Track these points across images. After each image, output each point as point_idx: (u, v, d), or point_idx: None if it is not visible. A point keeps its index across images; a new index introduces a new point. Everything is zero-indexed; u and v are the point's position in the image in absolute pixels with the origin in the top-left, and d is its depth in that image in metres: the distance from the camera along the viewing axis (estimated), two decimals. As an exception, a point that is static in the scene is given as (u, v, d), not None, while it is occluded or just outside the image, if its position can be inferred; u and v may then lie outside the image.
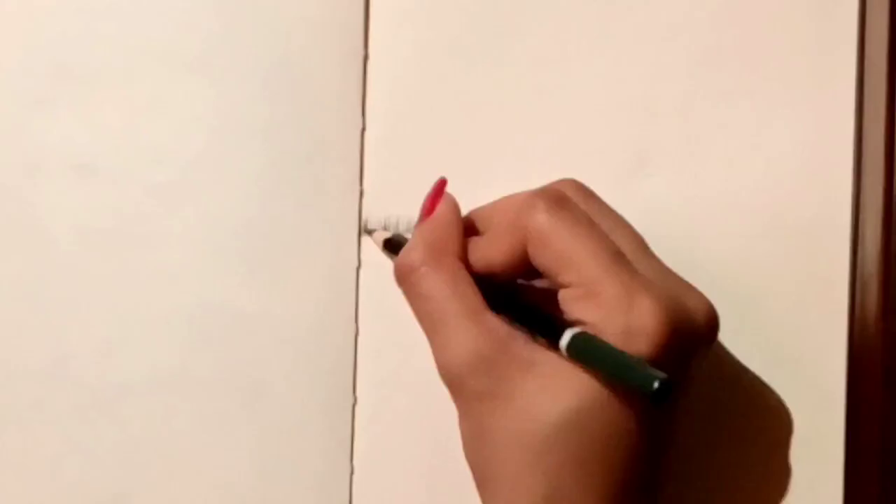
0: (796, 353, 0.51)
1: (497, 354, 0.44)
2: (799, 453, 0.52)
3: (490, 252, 0.46)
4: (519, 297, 0.46)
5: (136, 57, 0.52)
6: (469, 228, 0.48)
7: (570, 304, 0.44)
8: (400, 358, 0.52)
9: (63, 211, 0.52)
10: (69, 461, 0.52)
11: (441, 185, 0.48)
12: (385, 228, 0.52)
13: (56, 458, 0.52)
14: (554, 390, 0.43)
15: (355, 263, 0.52)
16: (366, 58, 0.52)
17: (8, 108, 0.52)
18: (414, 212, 0.52)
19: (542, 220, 0.44)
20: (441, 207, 0.47)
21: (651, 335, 0.42)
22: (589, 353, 0.42)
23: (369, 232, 0.52)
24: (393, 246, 0.50)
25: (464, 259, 0.46)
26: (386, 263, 0.52)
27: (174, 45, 0.52)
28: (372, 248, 0.52)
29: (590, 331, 0.42)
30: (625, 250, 0.44)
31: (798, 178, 0.52)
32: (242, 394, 0.52)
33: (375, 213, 0.52)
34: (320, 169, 0.52)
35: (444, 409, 0.52)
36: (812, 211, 0.51)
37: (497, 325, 0.45)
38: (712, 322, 0.45)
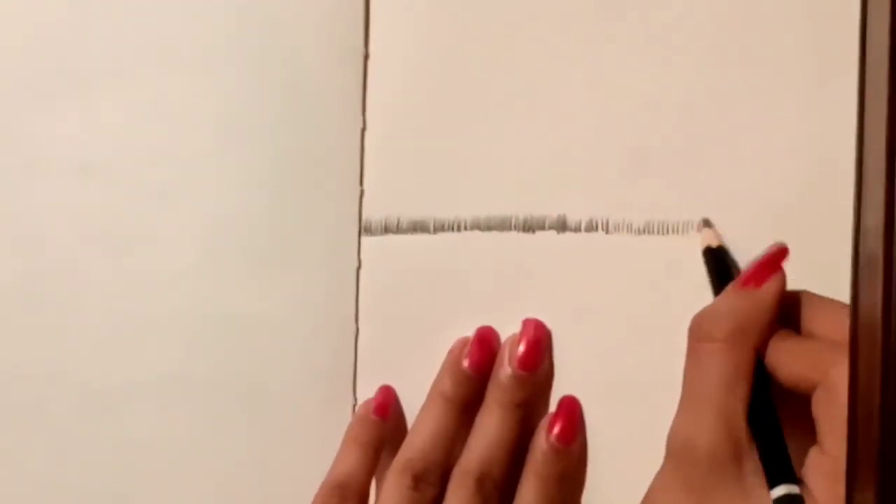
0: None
1: (725, 464, 0.43)
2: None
3: (784, 361, 0.44)
4: (776, 416, 0.45)
5: (136, 56, 0.52)
6: (788, 311, 0.46)
7: (813, 469, 0.42)
8: (400, 359, 0.52)
9: (63, 211, 0.52)
10: (69, 462, 0.52)
11: (779, 254, 0.46)
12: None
13: (56, 460, 0.52)
14: None
15: (355, 264, 0.52)
16: (366, 57, 0.52)
17: (8, 107, 0.52)
18: (414, 211, 0.52)
19: (842, 378, 0.41)
20: (770, 287, 0.45)
21: None
22: None
23: (707, 224, 0.50)
24: (713, 262, 0.49)
25: (762, 347, 0.45)
26: (386, 263, 0.52)
27: (174, 45, 0.52)
28: (372, 249, 0.52)
29: (807, 499, 0.42)
30: None
31: (799, 179, 0.51)
32: (242, 394, 0.52)
33: (376, 213, 0.52)
34: (320, 169, 0.52)
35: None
36: (814, 211, 0.51)
37: (742, 436, 0.44)
38: None
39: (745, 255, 0.51)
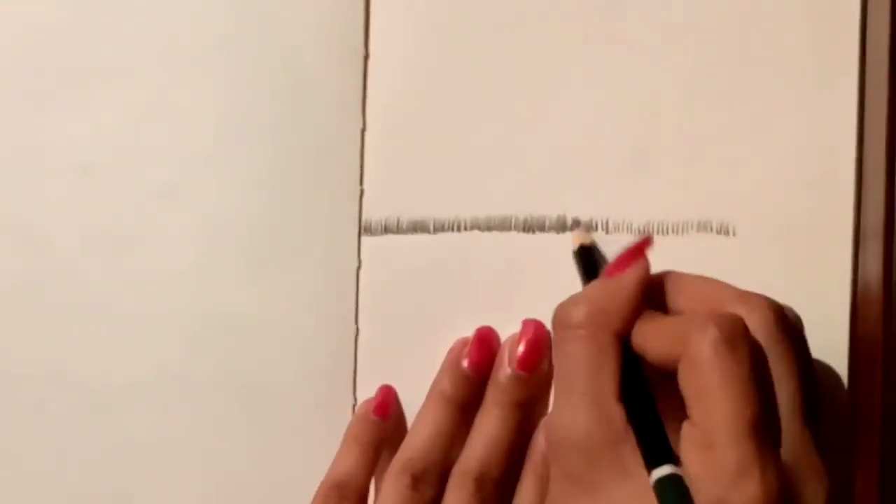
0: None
1: (601, 449, 0.43)
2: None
3: (649, 341, 0.44)
4: (651, 396, 0.44)
5: (136, 57, 0.52)
6: (654, 294, 0.46)
7: (686, 441, 0.42)
8: (400, 359, 0.52)
9: (63, 211, 0.52)
10: (70, 463, 0.52)
11: (642, 244, 0.46)
12: (386, 229, 0.52)
13: (57, 460, 0.52)
14: None
15: (355, 263, 0.52)
16: (366, 57, 0.52)
17: (8, 107, 0.52)
18: (414, 211, 0.52)
19: (703, 350, 0.41)
20: (627, 276, 0.45)
21: None
22: (670, 497, 0.41)
23: (576, 225, 0.51)
24: (584, 259, 0.49)
25: (625, 331, 0.45)
26: (386, 263, 0.52)
27: (174, 45, 0.52)
28: (372, 249, 0.52)
29: (686, 479, 0.41)
30: (781, 409, 0.42)
31: (800, 178, 0.51)
32: (242, 394, 0.52)
33: (376, 213, 0.52)
34: (320, 169, 0.52)
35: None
36: (814, 211, 0.51)
37: (616, 419, 0.43)
38: None
39: (745, 254, 0.51)
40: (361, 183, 0.52)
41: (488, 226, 0.52)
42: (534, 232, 0.52)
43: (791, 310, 0.46)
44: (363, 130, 0.52)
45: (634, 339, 0.45)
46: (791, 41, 0.51)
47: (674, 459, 0.42)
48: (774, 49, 0.51)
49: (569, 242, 0.50)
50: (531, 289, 0.52)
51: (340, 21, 0.52)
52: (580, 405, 0.44)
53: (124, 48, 0.52)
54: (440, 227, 0.52)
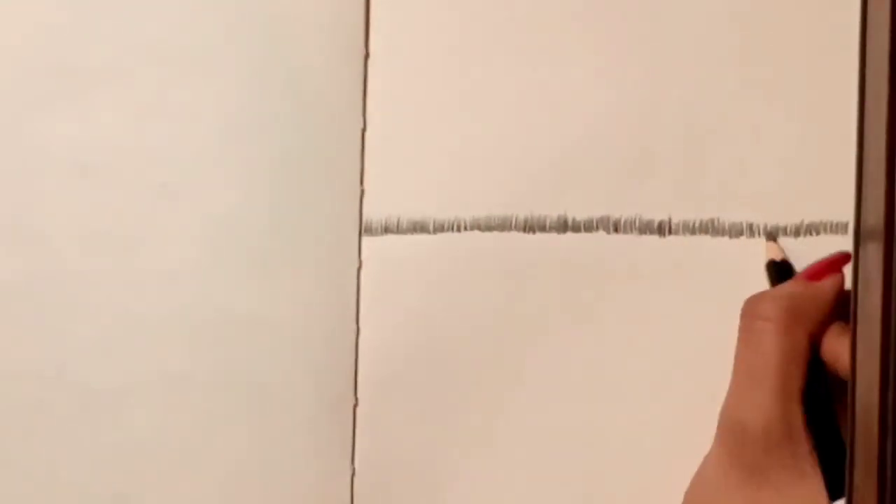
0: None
1: (783, 442, 0.44)
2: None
3: (840, 353, 0.44)
4: (834, 411, 0.45)
5: (136, 57, 0.52)
6: (845, 308, 0.45)
7: None
8: (401, 359, 0.52)
9: (63, 212, 0.52)
10: (69, 462, 0.52)
11: (841, 258, 0.47)
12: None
13: (56, 460, 0.52)
14: None
15: (356, 264, 0.52)
16: (366, 57, 0.52)
17: (7, 108, 0.52)
18: (415, 212, 0.52)
19: None
20: (827, 282, 0.46)
21: None
22: None
23: (772, 238, 0.51)
24: (776, 272, 0.49)
25: (818, 335, 0.45)
26: (386, 263, 0.52)
27: (173, 45, 0.52)
28: (373, 249, 0.52)
29: None
30: None
31: (801, 178, 0.51)
32: (243, 395, 0.52)
33: (376, 214, 0.52)
34: (321, 169, 0.52)
35: (445, 411, 0.52)
36: (813, 211, 0.51)
37: (798, 418, 0.44)
38: None
39: (746, 255, 0.51)
40: (362, 183, 0.52)
41: (489, 226, 0.52)
42: (534, 232, 0.52)
43: None
44: (363, 130, 0.52)
45: (827, 346, 0.45)
46: (791, 42, 0.51)
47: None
48: (774, 49, 0.51)
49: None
50: (532, 289, 0.52)
51: (341, 21, 0.52)
52: (765, 398, 0.44)
53: (124, 48, 0.52)
54: (440, 228, 0.52)
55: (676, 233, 0.52)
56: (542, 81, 0.52)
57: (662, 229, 0.52)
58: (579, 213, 0.52)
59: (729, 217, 0.52)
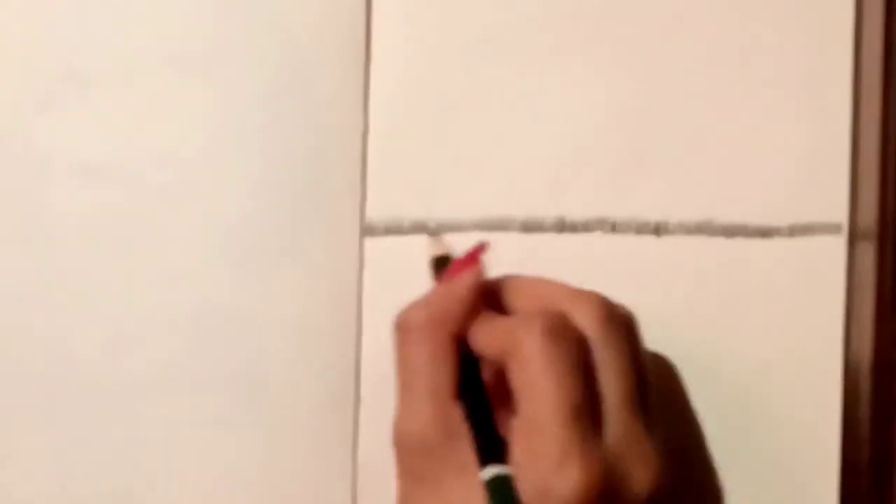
0: (791, 353, 0.52)
1: (439, 445, 0.45)
2: (793, 458, 0.52)
3: (483, 341, 0.46)
4: (485, 395, 0.46)
5: (138, 58, 0.52)
6: (495, 297, 0.47)
7: (514, 433, 0.44)
8: (401, 358, 0.52)
9: (67, 212, 0.52)
10: (71, 461, 0.52)
11: (476, 251, 0.48)
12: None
13: (58, 458, 0.52)
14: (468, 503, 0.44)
15: (357, 265, 0.52)
16: (368, 59, 0.52)
17: (11, 110, 0.52)
18: (416, 213, 0.52)
19: (528, 345, 0.44)
20: (461, 281, 0.47)
21: (563, 503, 0.42)
22: (497, 497, 0.43)
23: (432, 234, 0.51)
24: (437, 266, 0.49)
25: (463, 332, 0.46)
26: (388, 264, 0.52)
27: (176, 47, 0.52)
28: (374, 249, 0.52)
29: (514, 472, 0.43)
30: (605, 400, 0.44)
31: (796, 178, 0.52)
32: (245, 394, 0.52)
33: (377, 215, 0.52)
34: (322, 170, 0.52)
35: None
36: (809, 212, 0.52)
37: (452, 417, 0.45)
38: (652, 498, 0.44)
39: (740, 255, 0.52)
40: (363, 184, 0.52)
41: (488, 226, 0.52)
42: (533, 233, 0.52)
43: (622, 306, 0.47)
44: (365, 132, 0.52)
45: (472, 339, 0.46)
46: (785, 43, 0.52)
47: (505, 458, 0.44)
48: (769, 50, 0.52)
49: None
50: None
51: (342, 22, 0.52)
52: (419, 403, 0.45)
53: (127, 49, 0.52)
54: (441, 228, 0.52)
55: (673, 233, 0.52)
56: (541, 83, 0.52)
57: (659, 230, 0.52)
58: (577, 214, 0.52)
59: (725, 218, 0.52)
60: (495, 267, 0.52)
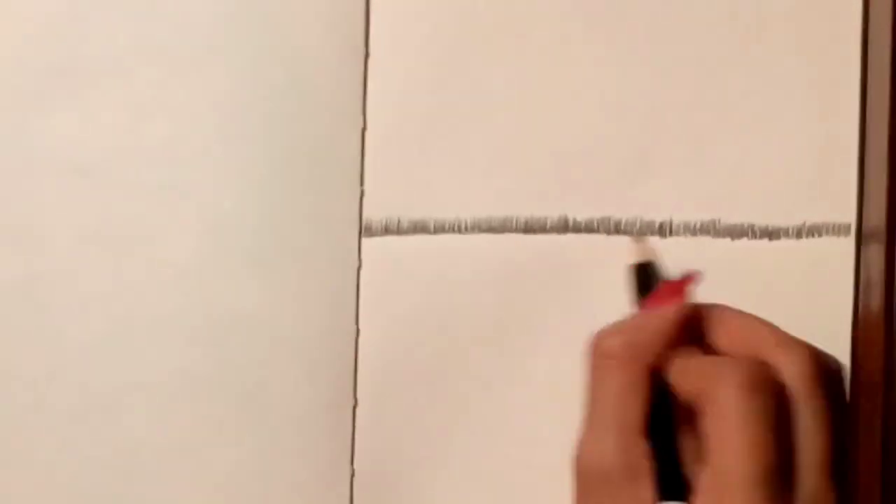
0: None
1: (621, 479, 0.43)
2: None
3: (680, 379, 0.44)
4: (672, 434, 0.45)
5: (135, 56, 0.52)
6: (696, 327, 0.46)
7: (700, 484, 0.42)
8: (401, 359, 0.52)
9: (62, 211, 0.52)
10: (69, 462, 0.52)
11: (685, 281, 0.46)
12: (386, 230, 0.52)
13: (56, 459, 0.52)
14: None
15: (356, 264, 0.52)
16: (367, 56, 0.52)
17: (7, 108, 0.52)
18: (415, 212, 0.52)
19: (725, 395, 0.42)
20: (667, 314, 0.45)
21: None
22: None
23: (639, 238, 0.49)
24: (640, 276, 0.48)
25: (658, 365, 0.45)
26: (386, 264, 0.52)
27: (173, 45, 0.52)
28: (373, 249, 0.52)
29: None
30: (806, 462, 0.43)
31: (802, 179, 0.51)
32: (242, 395, 0.52)
33: (376, 214, 0.52)
34: (321, 169, 0.52)
35: (445, 412, 0.52)
36: (816, 213, 0.51)
37: (638, 452, 0.44)
38: None
39: (747, 256, 0.51)
40: (362, 183, 0.52)
41: (489, 227, 0.52)
42: (535, 233, 0.52)
43: (835, 360, 0.45)
44: (364, 130, 0.52)
45: (670, 376, 0.45)
46: (793, 41, 0.51)
47: (683, 499, 0.42)
48: (776, 49, 0.51)
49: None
50: (532, 290, 0.52)
51: (341, 20, 0.52)
52: (606, 434, 0.44)
53: (123, 47, 0.52)
54: (441, 228, 0.52)
55: (677, 234, 0.52)
56: (543, 82, 0.52)
57: (663, 230, 0.52)
58: (580, 214, 0.52)
59: (730, 218, 0.51)
60: (496, 268, 0.52)
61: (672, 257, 0.51)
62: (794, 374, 0.43)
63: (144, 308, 0.52)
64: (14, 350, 0.52)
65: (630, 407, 0.44)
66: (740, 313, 0.46)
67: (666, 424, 0.45)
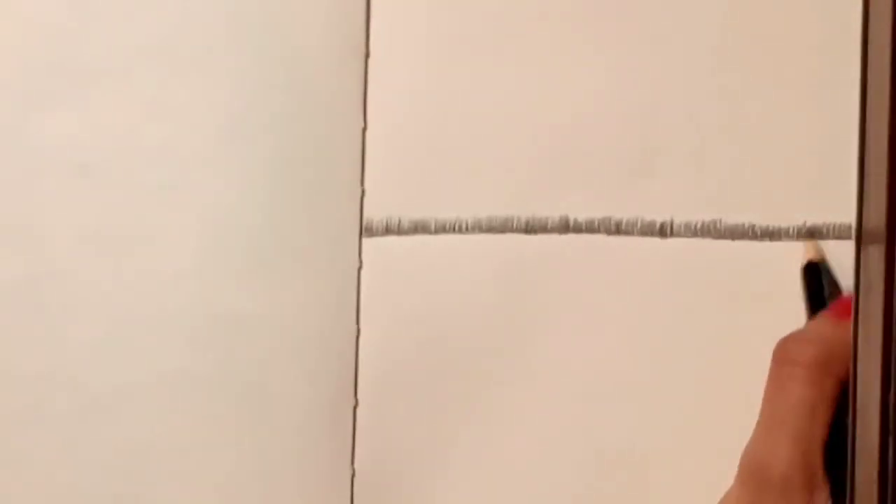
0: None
1: (798, 491, 0.43)
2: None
3: None
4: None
5: (136, 56, 0.52)
6: None
7: None
8: (401, 359, 0.52)
9: (62, 211, 0.52)
10: (68, 462, 0.52)
11: None
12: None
13: (56, 460, 0.52)
14: None
15: (356, 264, 0.52)
16: (367, 56, 0.52)
17: (7, 107, 0.52)
18: (415, 212, 0.52)
19: None
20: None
21: None
22: None
23: (811, 236, 0.50)
24: (811, 277, 0.48)
25: (847, 377, 0.44)
26: (387, 264, 0.52)
27: (174, 45, 0.52)
28: (373, 249, 0.52)
29: None
30: None
31: (804, 179, 0.51)
32: (243, 396, 0.52)
33: (377, 214, 0.52)
34: (321, 169, 0.52)
35: (445, 411, 0.52)
36: (817, 214, 0.51)
37: (816, 465, 0.43)
38: None
39: (748, 256, 0.51)
40: (362, 183, 0.52)
41: (490, 227, 0.52)
42: (536, 233, 0.52)
43: None
44: (364, 130, 0.52)
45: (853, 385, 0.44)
46: (793, 41, 0.51)
47: None
48: (777, 49, 0.51)
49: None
50: (533, 290, 0.52)
51: (341, 20, 0.52)
52: (788, 444, 0.44)
53: (123, 47, 0.52)
54: (441, 228, 0.52)
55: (678, 234, 0.52)
56: (543, 81, 0.52)
57: (664, 231, 0.52)
58: (581, 215, 0.52)
59: (731, 219, 0.51)
60: (496, 268, 0.52)
61: (673, 258, 0.51)
62: None
63: (144, 308, 0.52)
64: (14, 350, 0.52)
65: (817, 420, 0.44)
66: None
67: (846, 441, 0.44)
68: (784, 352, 0.45)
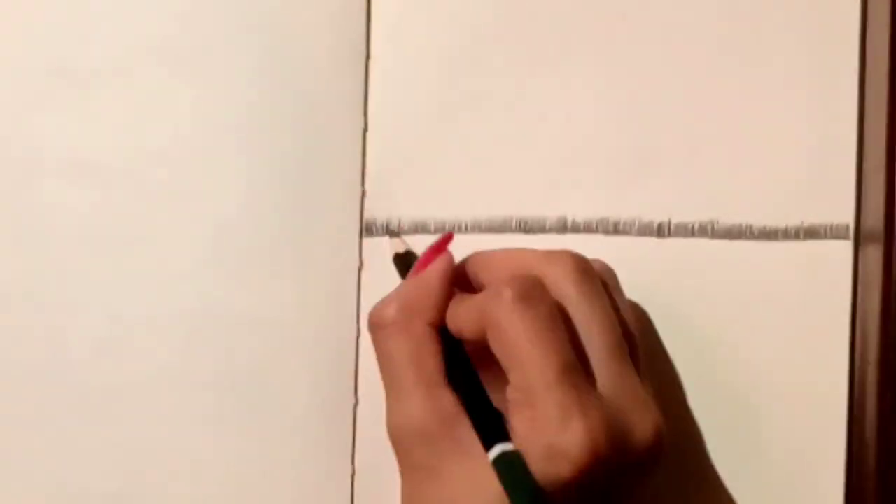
0: (797, 357, 0.51)
1: (440, 432, 0.44)
2: (799, 461, 0.51)
3: (460, 322, 0.45)
4: (475, 377, 0.46)
5: (135, 56, 0.52)
6: (464, 277, 0.47)
7: (511, 405, 0.43)
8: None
9: (62, 211, 0.52)
10: (69, 462, 0.52)
11: (444, 240, 0.47)
12: (389, 231, 0.52)
13: (56, 459, 0.52)
14: (476, 486, 0.43)
15: (357, 264, 0.52)
16: (368, 57, 0.52)
17: (6, 107, 0.52)
18: (415, 212, 0.52)
19: (501, 313, 0.43)
20: (431, 269, 0.46)
21: (574, 460, 0.42)
22: (507, 475, 0.43)
23: (393, 234, 0.51)
24: (399, 264, 0.49)
25: (439, 320, 0.46)
26: (387, 264, 0.52)
27: (174, 44, 0.52)
28: (374, 249, 0.52)
29: (517, 443, 0.43)
30: (592, 354, 0.44)
31: (801, 178, 0.51)
32: (243, 395, 0.52)
33: (378, 214, 0.52)
34: (322, 169, 0.52)
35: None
36: (814, 214, 0.51)
37: (448, 402, 0.45)
38: (655, 447, 0.44)
39: (746, 256, 0.51)
40: (363, 183, 0.52)
41: (489, 227, 0.52)
42: (534, 233, 0.52)
43: (598, 260, 0.47)
44: (365, 131, 0.52)
45: (448, 323, 0.46)
46: (791, 42, 0.51)
47: (507, 433, 0.43)
48: (775, 50, 0.51)
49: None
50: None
51: (342, 21, 0.52)
52: (411, 397, 0.45)
53: (124, 48, 0.52)
54: (441, 228, 0.52)
55: (676, 234, 0.52)
56: (542, 83, 0.52)
57: (662, 231, 0.52)
58: (579, 215, 0.52)
59: (728, 219, 0.52)
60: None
61: (670, 258, 0.51)
62: (561, 280, 0.44)
63: (145, 308, 0.52)
64: (14, 350, 0.52)
65: (423, 364, 0.45)
66: (498, 250, 0.47)
67: (467, 372, 0.46)
68: (373, 319, 0.46)
